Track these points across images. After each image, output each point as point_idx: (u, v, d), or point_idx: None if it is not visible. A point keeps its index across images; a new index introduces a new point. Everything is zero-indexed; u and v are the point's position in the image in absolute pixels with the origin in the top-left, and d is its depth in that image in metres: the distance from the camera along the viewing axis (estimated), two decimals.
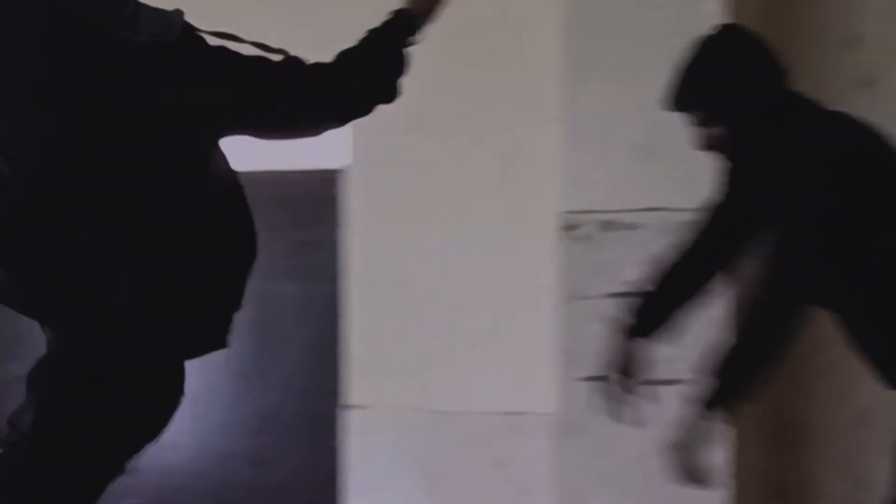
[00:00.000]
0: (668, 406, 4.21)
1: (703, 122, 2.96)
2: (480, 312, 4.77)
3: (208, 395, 5.27)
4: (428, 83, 4.79)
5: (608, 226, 4.23)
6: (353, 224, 4.91)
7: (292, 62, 2.58)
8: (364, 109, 2.67)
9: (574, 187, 4.28)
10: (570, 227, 4.27)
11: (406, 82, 4.69)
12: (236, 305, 2.71)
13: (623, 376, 3.17)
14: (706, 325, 4.09)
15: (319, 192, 5.06)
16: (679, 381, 4.15)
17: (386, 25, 2.66)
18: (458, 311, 4.80)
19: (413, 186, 4.84)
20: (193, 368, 5.22)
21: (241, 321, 5.12)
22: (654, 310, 3.19)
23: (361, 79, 2.65)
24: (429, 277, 4.83)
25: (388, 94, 2.69)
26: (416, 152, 4.82)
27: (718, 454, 4.10)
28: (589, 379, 4.25)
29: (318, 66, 2.59)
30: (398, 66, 2.69)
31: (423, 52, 4.76)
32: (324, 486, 5.02)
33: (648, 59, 4.26)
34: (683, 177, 4.10)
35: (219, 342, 2.74)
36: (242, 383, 5.24)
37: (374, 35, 2.66)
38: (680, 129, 3.04)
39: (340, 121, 2.67)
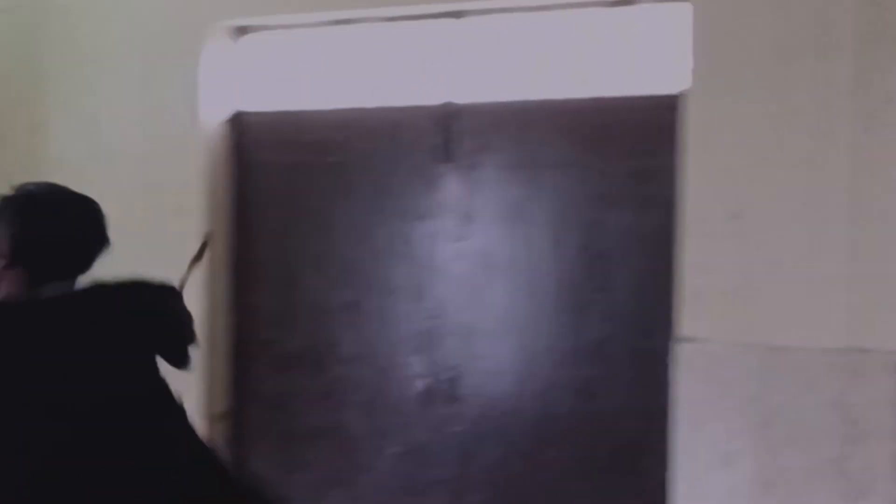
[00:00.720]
0: None
1: None
2: (823, 245, 4.57)
3: (535, 325, 5.27)
4: (774, 3, 4.62)
5: None
6: (690, 152, 4.77)
7: None
8: None
9: None
10: None
11: (753, 4, 4.54)
12: None
13: None
14: None
15: (656, 118, 4.94)
16: None
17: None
18: (799, 243, 4.62)
19: (755, 113, 4.65)
20: (521, 297, 5.26)
21: (572, 250, 5.14)
22: None
23: None
24: (768, 208, 4.66)
25: None
26: (759, 77, 4.63)
27: None
28: None
29: None
30: None
31: None
32: (652, 419, 4.94)
33: None
34: None
35: None
36: (570, 313, 5.20)
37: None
38: None
39: None
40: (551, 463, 5.23)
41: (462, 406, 5.44)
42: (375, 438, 5.60)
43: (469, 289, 5.39)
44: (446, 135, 5.36)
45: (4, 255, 2.74)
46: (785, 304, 4.64)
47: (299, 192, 5.78)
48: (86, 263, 2.83)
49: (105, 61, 6.06)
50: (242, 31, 5.89)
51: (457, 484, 5.39)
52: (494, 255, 5.33)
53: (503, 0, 5.23)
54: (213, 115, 5.85)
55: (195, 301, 5.64)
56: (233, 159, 5.90)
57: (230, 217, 5.90)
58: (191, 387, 5.74)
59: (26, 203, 2.79)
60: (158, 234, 5.83)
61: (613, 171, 5.10)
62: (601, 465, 5.14)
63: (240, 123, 5.89)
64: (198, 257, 2.79)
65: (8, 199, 2.80)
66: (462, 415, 5.44)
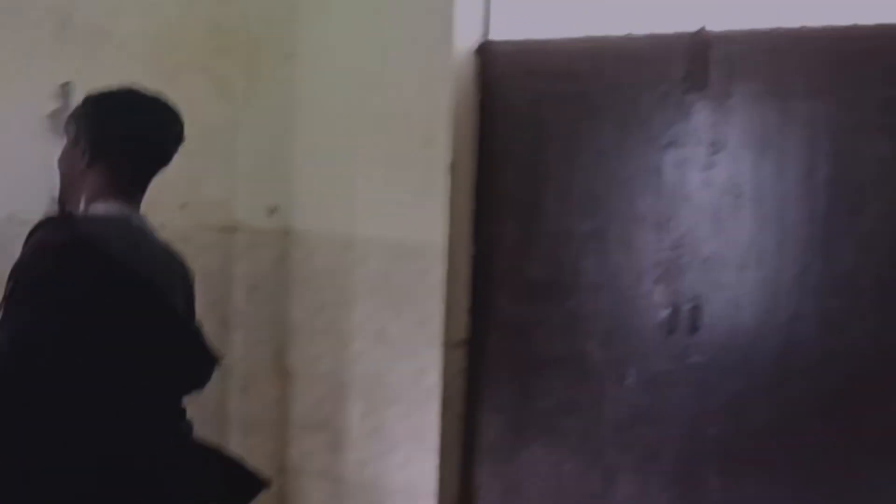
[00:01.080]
0: None
1: None
2: None
3: (781, 256, 5.18)
4: None
5: None
6: None
7: None
8: None
9: None
10: None
11: None
12: None
13: None
14: None
15: None
16: None
17: None
18: None
19: None
20: (768, 227, 5.13)
21: (822, 180, 5.00)
22: None
23: None
24: None
25: None
26: None
27: None
28: None
29: None
30: None
31: None
32: None
33: None
34: None
35: None
36: (819, 244, 5.08)
37: None
38: None
39: None
40: (793, 397, 5.15)
41: (703, 337, 5.39)
42: (614, 367, 5.62)
43: (714, 218, 5.33)
44: (697, 63, 5.29)
45: (85, 154, 2.80)
46: None
47: (545, 121, 5.81)
48: (163, 159, 2.88)
49: None
50: None
51: (695, 415, 5.38)
52: (742, 185, 5.25)
53: None
54: (463, 45, 5.91)
55: (437, 231, 5.79)
56: (479, 89, 5.96)
57: (474, 147, 5.97)
58: (432, 315, 5.88)
59: (102, 102, 2.84)
60: (406, 165, 5.94)
61: (868, 101, 4.94)
62: (846, 401, 5.04)
63: (487, 52, 5.94)
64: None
65: (85, 102, 2.86)
66: (703, 346, 5.40)
